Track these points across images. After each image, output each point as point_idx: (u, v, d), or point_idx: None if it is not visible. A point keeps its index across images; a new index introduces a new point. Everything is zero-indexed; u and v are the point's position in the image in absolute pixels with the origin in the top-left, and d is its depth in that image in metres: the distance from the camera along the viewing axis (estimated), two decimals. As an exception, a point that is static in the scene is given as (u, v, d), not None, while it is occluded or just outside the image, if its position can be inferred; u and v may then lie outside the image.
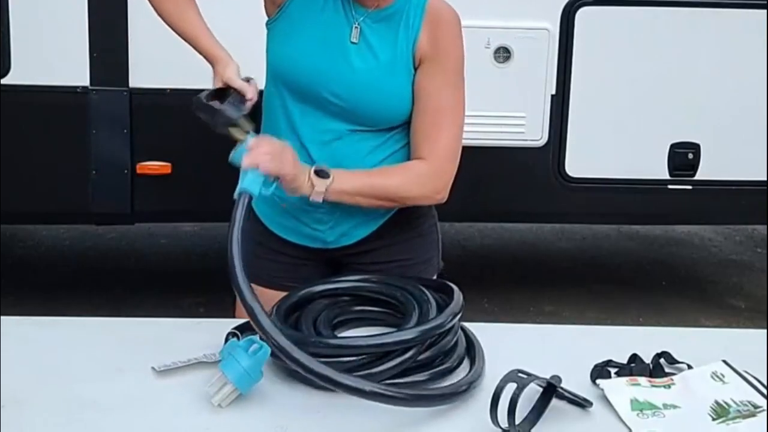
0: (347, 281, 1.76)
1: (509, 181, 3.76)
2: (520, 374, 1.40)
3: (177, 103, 3.54)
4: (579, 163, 3.73)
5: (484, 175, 3.61)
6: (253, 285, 1.97)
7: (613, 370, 1.61)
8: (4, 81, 3.45)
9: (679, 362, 1.64)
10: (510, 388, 1.37)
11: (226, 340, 1.61)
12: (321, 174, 1.76)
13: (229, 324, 1.67)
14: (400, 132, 1.91)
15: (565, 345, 1.76)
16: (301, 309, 1.65)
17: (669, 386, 1.54)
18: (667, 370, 1.62)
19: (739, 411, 1.46)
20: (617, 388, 1.53)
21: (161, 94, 3.49)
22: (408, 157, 1.91)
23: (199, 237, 5.24)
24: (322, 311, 1.65)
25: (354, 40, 1.84)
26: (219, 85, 1.78)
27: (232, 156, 1.69)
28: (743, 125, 3.74)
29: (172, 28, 1.89)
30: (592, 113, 3.70)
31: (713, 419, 1.45)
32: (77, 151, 3.53)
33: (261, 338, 1.44)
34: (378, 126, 1.88)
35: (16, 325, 1.74)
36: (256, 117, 1.93)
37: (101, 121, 3.52)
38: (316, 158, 1.86)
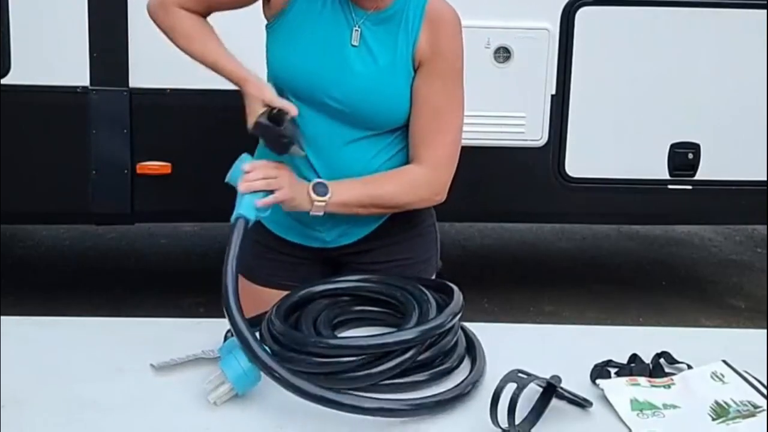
0: (347, 281, 1.76)
1: (509, 181, 3.76)
2: (520, 374, 1.40)
3: (177, 103, 3.55)
4: (579, 163, 3.73)
5: (484, 175, 3.61)
6: (252, 285, 1.98)
7: (613, 370, 1.61)
8: (4, 81, 3.45)
9: (679, 362, 1.64)
10: (510, 388, 1.37)
11: (226, 338, 1.62)
12: (319, 191, 1.77)
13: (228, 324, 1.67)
14: (403, 133, 1.90)
15: (565, 345, 1.76)
16: (301, 309, 1.65)
17: (669, 386, 1.55)
18: (667, 370, 1.62)
19: (739, 411, 1.47)
20: (617, 388, 1.53)
21: (161, 94, 3.49)
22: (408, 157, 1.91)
23: (199, 237, 5.24)
24: (322, 311, 1.65)
25: (355, 43, 1.83)
26: (256, 105, 1.76)
27: (229, 176, 1.70)
28: (743, 125, 3.74)
29: (194, 59, 1.88)
30: (592, 113, 3.70)
31: (713, 419, 1.45)
32: (77, 151, 3.53)
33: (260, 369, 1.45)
34: (380, 129, 1.87)
35: (16, 325, 1.74)
36: None
37: (101, 121, 3.52)
38: (317, 163, 1.86)
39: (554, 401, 1.44)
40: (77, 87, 3.49)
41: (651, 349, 1.66)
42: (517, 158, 3.71)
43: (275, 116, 1.75)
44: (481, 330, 1.70)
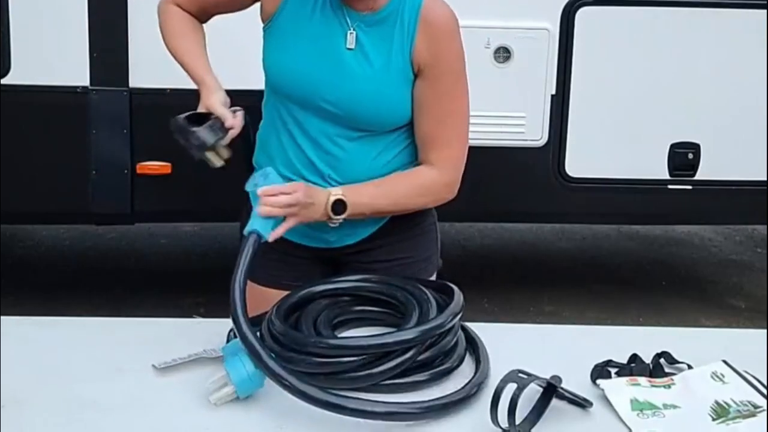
0: (347, 281, 1.76)
1: (509, 181, 3.76)
2: (520, 374, 1.40)
3: (177, 103, 3.48)
4: (579, 163, 3.73)
5: (484, 175, 3.60)
6: (253, 285, 1.98)
7: (613, 370, 1.61)
8: (4, 81, 3.45)
9: (679, 362, 1.64)
10: (510, 388, 1.37)
11: (228, 338, 1.62)
12: (337, 209, 1.78)
13: (230, 324, 1.66)
14: (404, 132, 1.90)
15: (565, 345, 1.76)
16: (302, 309, 1.65)
17: (669, 386, 1.55)
18: (667, 370, 1.62)
19: (739, 411, 1.47)
20: (617, 388, 1.53)
21: (161, 94, 3.48)
22: (413, 154, 1.91)
23: (199, 237, 5.23)
24: (323, 311, 1.65)
25: (350, 46, 1.82)
26: (201, 110, 1.75)
27: (249, 185, 1.68)
28: (743, 125, 3.74)
29: (172, 56, 1.90)
30: (592, 113, 3.69)
31: (713, 419, 1.45)
32: (77, 151, 3.53)
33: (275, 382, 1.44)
34: (378, 130, 1.87)
35: (16, 325, 1.74)
36: (248, 147, 1.92)
37: (101, 121, 3.52)
38: (318, 164, 1.86)
39: (554, 401, 1.44)
40: (77, 87, 3.49)
41: (651, 349, 1.66)
42: (517, 158, 3.71)
43: (197, 118, 1.72)
44: (481, 330, 1.70)
